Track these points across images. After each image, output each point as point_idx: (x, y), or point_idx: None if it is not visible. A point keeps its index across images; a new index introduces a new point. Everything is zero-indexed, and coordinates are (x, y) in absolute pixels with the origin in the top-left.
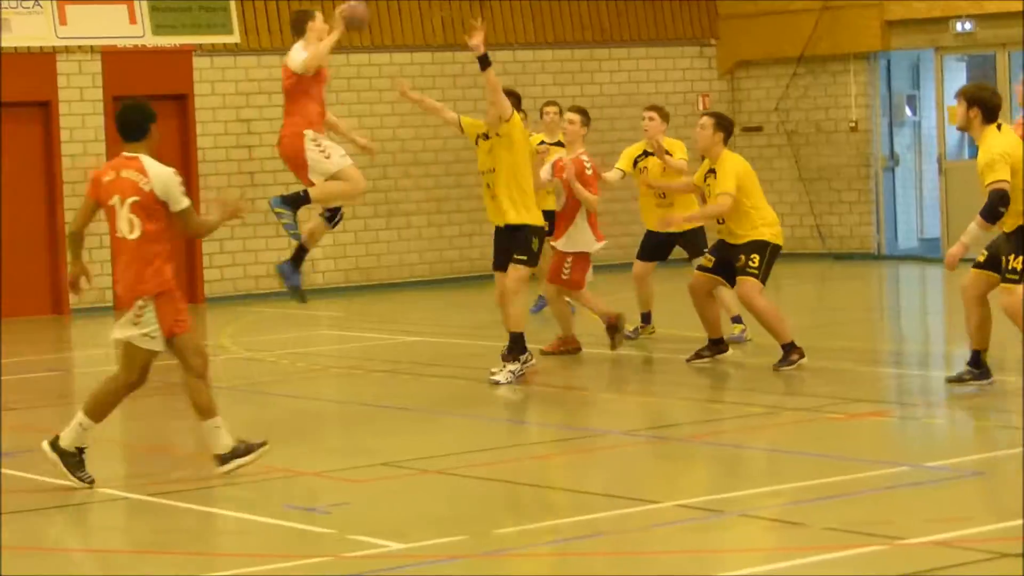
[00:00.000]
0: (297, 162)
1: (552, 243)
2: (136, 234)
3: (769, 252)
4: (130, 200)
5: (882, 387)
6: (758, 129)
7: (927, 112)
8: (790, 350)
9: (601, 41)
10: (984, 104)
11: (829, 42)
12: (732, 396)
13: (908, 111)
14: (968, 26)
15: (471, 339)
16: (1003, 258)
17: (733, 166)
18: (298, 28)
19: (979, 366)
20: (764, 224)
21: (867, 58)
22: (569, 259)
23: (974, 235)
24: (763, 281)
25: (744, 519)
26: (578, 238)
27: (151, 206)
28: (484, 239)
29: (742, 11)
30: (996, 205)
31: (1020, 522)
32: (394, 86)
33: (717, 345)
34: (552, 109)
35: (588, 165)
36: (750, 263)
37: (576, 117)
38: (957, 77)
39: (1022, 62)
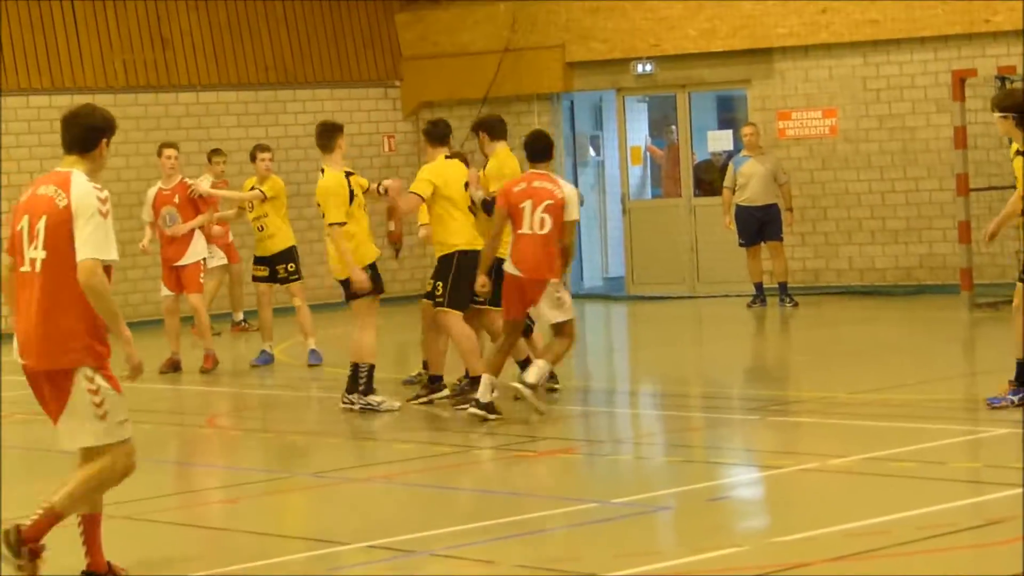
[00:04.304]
0: None
1: None
2: None
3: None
4: None
5: (570, 425)
6: None
7: (610, 152)
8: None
9: (285, 82)
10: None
11: (512, 83)
12: (422, 436)
13: (591, 151)
14: (648, 68)
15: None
16: None
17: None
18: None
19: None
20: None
21: (550, 99)
22: None
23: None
24: (456, 305)
25: (434, 559)
26: None
27: None
28: None
29: (425, 52)
30: None
31: (710, 555)
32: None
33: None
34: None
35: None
36: (436, 291)
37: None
38: (639, 118)
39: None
